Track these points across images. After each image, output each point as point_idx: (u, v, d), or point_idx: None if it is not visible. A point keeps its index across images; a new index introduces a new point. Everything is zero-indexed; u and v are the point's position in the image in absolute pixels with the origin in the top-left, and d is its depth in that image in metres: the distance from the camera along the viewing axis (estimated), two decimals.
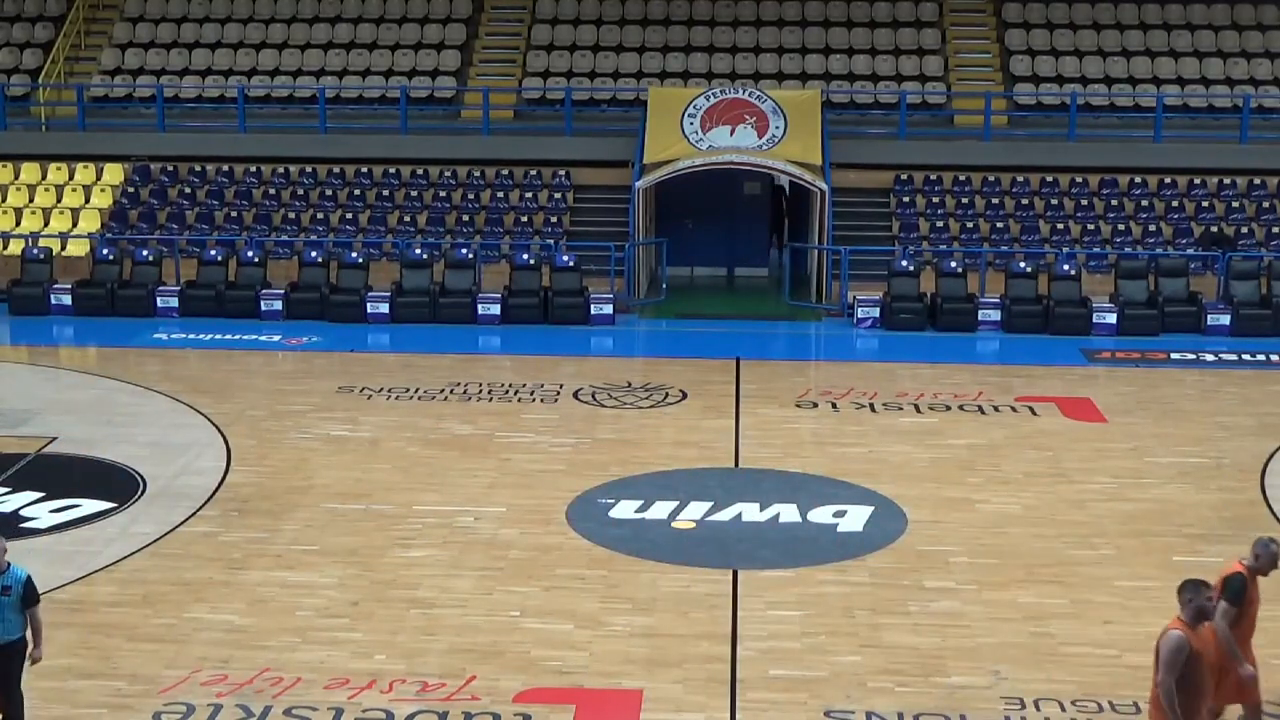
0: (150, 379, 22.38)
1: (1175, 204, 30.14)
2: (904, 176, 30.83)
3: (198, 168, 31.63)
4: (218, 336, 25.74)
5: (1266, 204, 30.10)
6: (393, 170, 31.32)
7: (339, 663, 12.30)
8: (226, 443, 18.90)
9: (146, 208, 30.66)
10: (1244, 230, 29.21)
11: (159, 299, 27.31)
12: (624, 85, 32.99)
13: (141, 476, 17.41)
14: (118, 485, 17.12)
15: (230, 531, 15.61)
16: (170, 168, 31.64)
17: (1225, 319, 26.49)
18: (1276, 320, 26.45)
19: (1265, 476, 17.87)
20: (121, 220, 30.21)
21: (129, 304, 27.34)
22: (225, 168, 31.53)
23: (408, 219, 30.15)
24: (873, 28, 34.33)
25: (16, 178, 31.30)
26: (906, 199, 30.49)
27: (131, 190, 31.10)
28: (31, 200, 30.86)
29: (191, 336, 25.68)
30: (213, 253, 28.18)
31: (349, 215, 30.27)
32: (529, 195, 30.83)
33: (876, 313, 26.91)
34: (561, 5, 35.06)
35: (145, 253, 28.32)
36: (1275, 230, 29.33)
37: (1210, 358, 24.77)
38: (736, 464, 18.37)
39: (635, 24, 34.62)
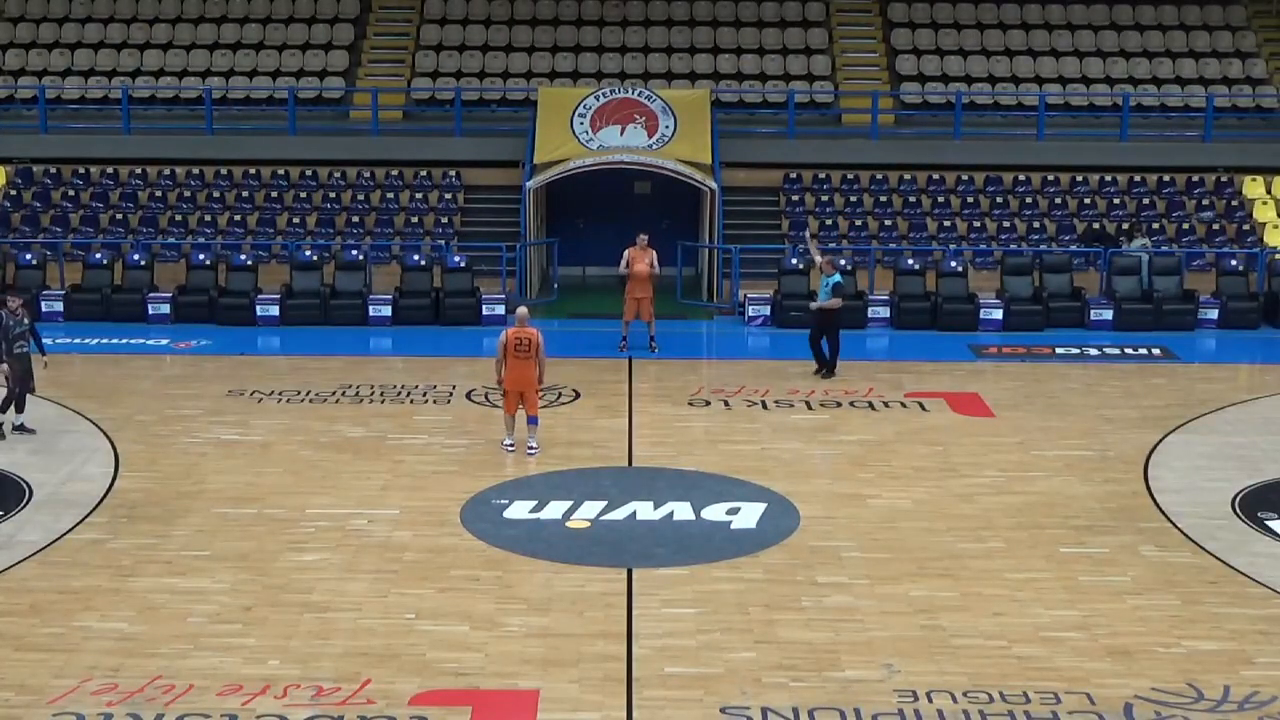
0: (36, 384, 21.98)
1: (1058, 201, 30.64)
2: (793, 175, 31.08)
3: (82, 170, 31.19)
4: (104, 341, 25.42)
5: (1147, 200, 30.68)
6: (281, 171, 31.07)
7: (232, 669, 12.18)
8: (114, 448, 18.65)
9: (29, 210, 30.18)
10: (1154, 226, 29.75)
11: (44, 303, 26.84)
12: (514, 85, 32.97)
13: (27, 484, 17.13)
14: (3, 493, 16.83)
15: (119, 538, 15.40)
16: (53, 170, 31.17)
17: (1108, 314, 26.97)
18: (1157, 315, 26.97)
19: (1148, 468, 18.22)
20: (4, 223, 29.69)
21: None
22: (110, 170, 31.12)
23: (297, 220, 29.92)
24: (760, 27, 34.58)
25: None
26: (795, 197, 30.73)
27: (14, 193, 30.60)
28: None
29: (77, 341, 25.30)
30: (98, 256, 27.82)
31: (237, 217, 29.98)
32: (419, 196, 30.71)
33: (767, 311, 27.12)
34: (450, 5, 34.97)
35: (29, 256, 27.89)
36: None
37: (1094, 352, 25.21)
38: (630, 463, 18.42)
39: (524, 24, 34.62)
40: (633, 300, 24.22)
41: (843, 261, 27.38)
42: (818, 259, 23.70)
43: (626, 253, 24.41)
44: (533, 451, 18.41)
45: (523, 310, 18.79)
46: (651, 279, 24.30)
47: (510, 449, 18.54)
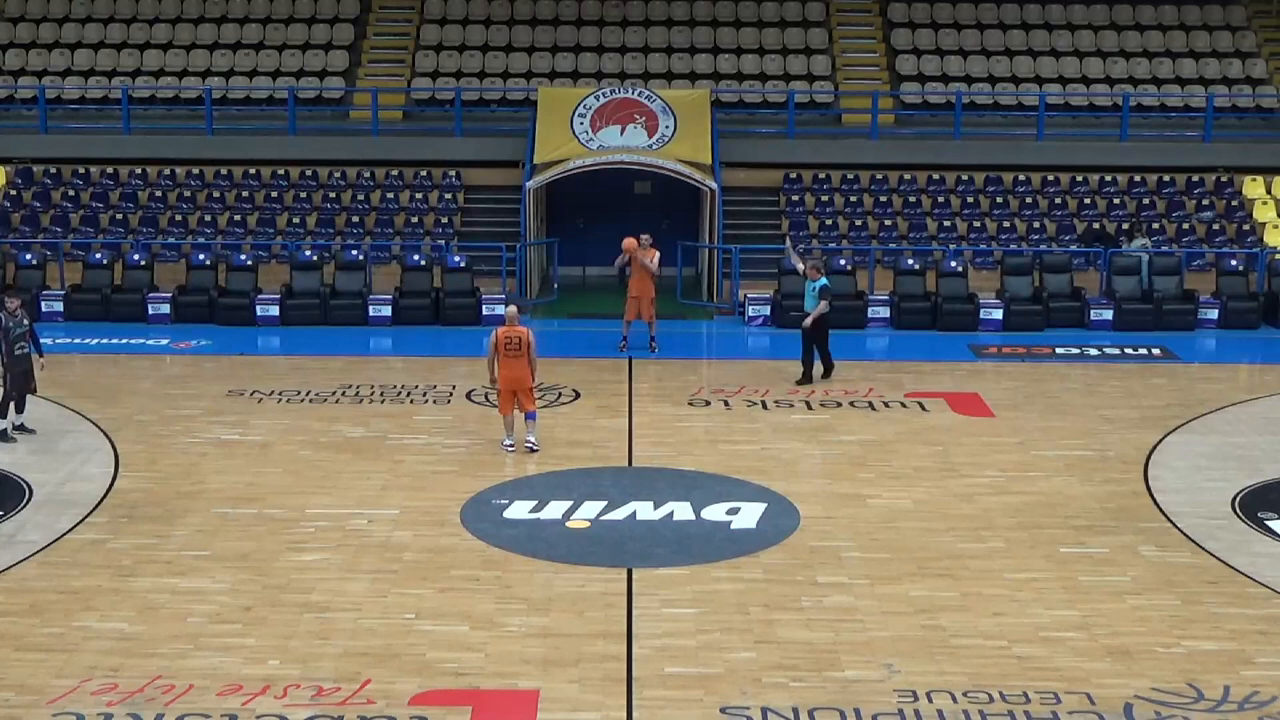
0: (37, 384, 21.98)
1: (1058, 201, 30.64)
2: (793, 175, 31.08)
3: (82, 170, 31.19)
4: (104, 341, 25.43)
5: (1147, 200, 30.67)
6: (281, 171, 31.06)
7: (232, 669, 12.18)
8: (114, 448, 18.65)
9: (29, 210, 30.18)
10: (1154, 226, 29.74)
11: (44, 303, 26.85)
12: (514, 85, 32.97)
13: (27, 484, 17.13)
14: (3, 493, 16.83)
15: (119, 538, 15.40)
16: (53, 170, 31.17)
17: (1108, 314, 26.97)
18: (1157, 315, 26.97)
19: (1148, 468, 18.21)
20: (4, 223, 29.69)
21: None
22: (110, 170, 31.12)
23: (297, 220, 29.91)
24: (760, 27, 34.58)
25: None
26: (795, 197, 30.73)
27: (14, 193, 30.60)
28: None
29: (77, 341, 25.30)
30: (98, 256, 27.82)
31: (237, 217, 29.98)
32: (419, 196, 30.71)
33: (767, 311, 27.12)
34: (450, 5, 34.97)
35: (29, 256, 27.89)
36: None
37: (1094, 352, 25.21)
38: (630, 463, 18.41)
39: (524, 24, 34.62)
40: (633, 300, 24.22)
41: (842, 261, 27.43)
42: (800, 266, 23.69)
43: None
44: (533, 448, 18.41)
45: (512, 309, 18.81)
46: (653, 279, 24.30)
47: (510, 449, 18.55)
